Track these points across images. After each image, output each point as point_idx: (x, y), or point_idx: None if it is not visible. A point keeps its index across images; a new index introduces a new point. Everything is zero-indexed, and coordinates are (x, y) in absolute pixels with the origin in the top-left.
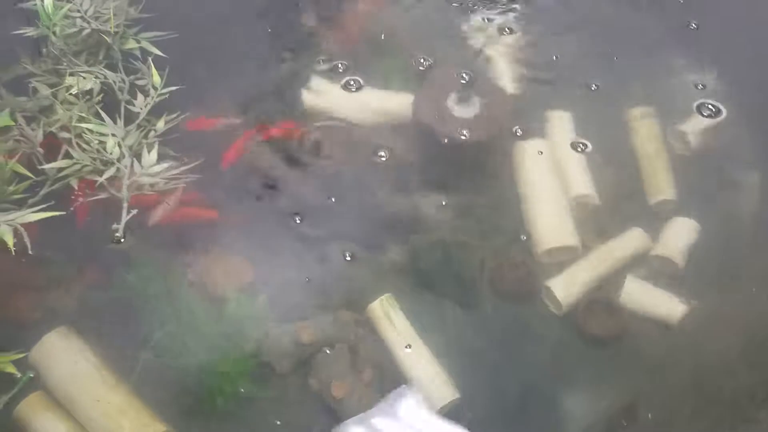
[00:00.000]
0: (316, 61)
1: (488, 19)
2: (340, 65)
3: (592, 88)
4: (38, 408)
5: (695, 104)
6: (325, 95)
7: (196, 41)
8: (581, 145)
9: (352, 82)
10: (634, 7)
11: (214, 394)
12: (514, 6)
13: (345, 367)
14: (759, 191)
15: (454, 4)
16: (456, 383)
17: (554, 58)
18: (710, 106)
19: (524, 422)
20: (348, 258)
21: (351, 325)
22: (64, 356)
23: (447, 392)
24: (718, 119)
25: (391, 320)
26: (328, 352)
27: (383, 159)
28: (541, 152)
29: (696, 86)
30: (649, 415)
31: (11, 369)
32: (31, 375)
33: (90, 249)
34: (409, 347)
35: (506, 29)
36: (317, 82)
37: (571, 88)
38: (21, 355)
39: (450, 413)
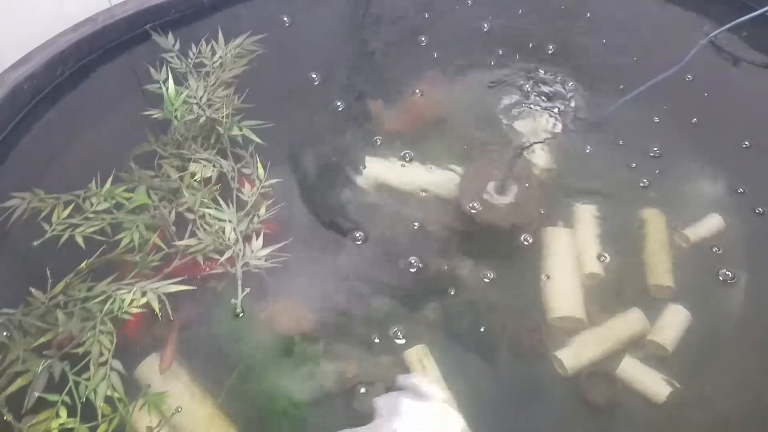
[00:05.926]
0: (375, 140)
1: (532, 115)
2: (396, 144)
3: (613, 185)
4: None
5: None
6: (381, 168)
7: (285, 129)
8: (599, 233)
9: (406, 158)
10: (656, 112)
11: (280, 416)
12: (555, 106)
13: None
14: (744, 292)
15: (504, 101)
16: (471, 425)
17: (586, 150)
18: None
19: None
20: (391, 311)
21: (389, 367)
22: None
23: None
24: (720, 229)
25: (424, 366)
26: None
27: (428, 229)
28: (564, 236)
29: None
30: None
31: (165, 406)
32: (179, 410)
33: (210, 314)
34: None
35: (547, 126)
36: (376, 158)
37: (596, 181)
38: (163, 392)
39: None
